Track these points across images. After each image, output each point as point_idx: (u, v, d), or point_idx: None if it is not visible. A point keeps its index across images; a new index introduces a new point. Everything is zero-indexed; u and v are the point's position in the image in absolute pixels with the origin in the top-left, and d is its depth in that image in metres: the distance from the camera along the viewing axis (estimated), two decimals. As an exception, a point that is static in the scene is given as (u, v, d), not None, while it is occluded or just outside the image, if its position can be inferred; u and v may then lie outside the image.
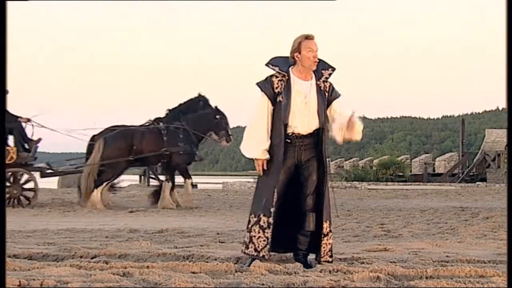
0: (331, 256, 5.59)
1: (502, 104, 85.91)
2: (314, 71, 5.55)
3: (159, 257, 5.87)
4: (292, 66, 5.55)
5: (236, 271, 5.17)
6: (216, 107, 14.97)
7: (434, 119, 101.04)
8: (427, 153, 47.24)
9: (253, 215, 5.53)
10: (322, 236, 5.51)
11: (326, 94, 5.55)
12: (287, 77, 5.51)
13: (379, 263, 5.48)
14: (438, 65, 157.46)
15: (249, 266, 5.30)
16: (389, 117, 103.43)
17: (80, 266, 5.28)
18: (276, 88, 5.50)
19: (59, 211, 13.39)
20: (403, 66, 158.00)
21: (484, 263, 5.78)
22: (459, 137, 39.04)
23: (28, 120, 14.76)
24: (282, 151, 5.46)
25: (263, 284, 4.62)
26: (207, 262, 5.53)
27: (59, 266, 5.22)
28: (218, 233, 8.65)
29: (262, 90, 5.52)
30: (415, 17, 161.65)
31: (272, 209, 5.44)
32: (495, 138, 36.63)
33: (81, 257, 5.93)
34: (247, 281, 4.70)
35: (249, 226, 5.53)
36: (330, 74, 5.59)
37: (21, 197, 14.56)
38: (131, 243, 7.15)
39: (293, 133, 5.50)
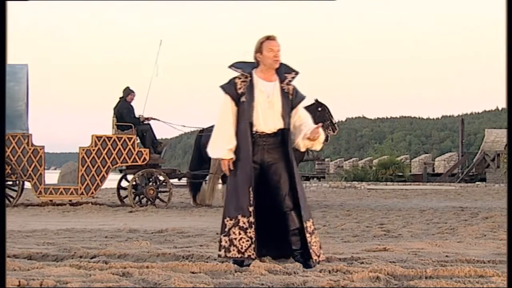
0: (323, 254, 5.59)
1: (502, 104, 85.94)
2: (277, 74, 5.60)
3: (158, 257, 5.88)
4: (255, 68, 5.60)
5: (235, 271, 5.17)
6: (316, 99, 15.00)
7: (433, 119, 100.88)
8: (427, 153, 47.27)
9: (228, 218, 5.48)
10: (308, 235, 5.49)
11: (290, 96, 5.60)
12: (250, 78, 5.56)
13: (378, 263, 5.48)
14: (437, 65, 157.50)
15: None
16: (389, 117, 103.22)
17: (79, 266, 5.28)
18: (239, 89, 5.54)
19: (58, 211, 13.39)
20: (402, 66, 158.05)
21: (484, 263, 5.78)
22: (458, 137, 39.08)
23: (147, 118, 15.06)
24: (250, 150, 5.47)
25: (262, 284, 4.62)
26: (207, 262, 5.53)
27: (58, 266, 5.22)
28: (217, 233, 8.62)
29: (225, 92, 5.56)
30: (414, 17, 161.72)
31: (251, 208, 5.42)
32: (495, 138, 36.65)
33: (80, 257, 5.93)
34: (246, 281, 4.70)
35: (226, 229, 5.47)
36: (293, 78, 5.65)
37: (157, 198, 14.81)
38: (130, 243, 7.15)
39: (256, 132, 5.52)
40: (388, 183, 31.51)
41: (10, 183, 14.61)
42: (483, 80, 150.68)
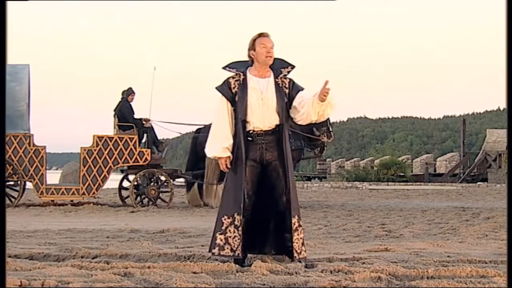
0: (305, 251, 5.63)
1: (503, 104, 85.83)
2: (272, 69, 5.62)
3: (160, 257, 5.88)
4: (249, 67, 5.63)
5: (237, 271, 5.18)
6: None
7: (435, 119, 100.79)
8: (428, 153, 47.26)
9: (226, 216, 5.50)
10: (293, 232, 5.53)
11: (286, 90, 5.60)
12: (243, 77, 5.58)
13: (380, 263, 5.48)
14: (439, 65, 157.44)
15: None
16: (390, 117, 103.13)
17: (81, 266, 5.29)
18: (233, 88, 5.58)
19: (60, 211, 13.40)
20: (404, 66, 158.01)
21: (486, 263, 5.78)
22: (460, 137, 39.10)
23: (148, 120, 15.05)
24: (243, 149, 5.49)
25: (264, 284, 4.62)
26: (208, 262, 5.53)
27: (60, 266, 5.23)
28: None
29: (220, 92, 5.59)
30: (416, 17, 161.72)
31: (242, 206, 5.46)
32: (496, 138, 36.65)
33: (82, 257, 5.94)
34: (248, 281, 4.71)
35: (223, 227, 5.48)
36: (289, 72, 5.66)
37: (159, 198, 14.82)
38: (132, 243, 7.15)
39: (253, 131, 5.54)
40: (389, 183, 31.49)
41: (11, 183, 14.62)
42: (485, 80, 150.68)
